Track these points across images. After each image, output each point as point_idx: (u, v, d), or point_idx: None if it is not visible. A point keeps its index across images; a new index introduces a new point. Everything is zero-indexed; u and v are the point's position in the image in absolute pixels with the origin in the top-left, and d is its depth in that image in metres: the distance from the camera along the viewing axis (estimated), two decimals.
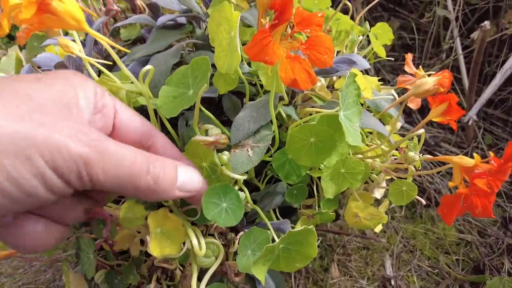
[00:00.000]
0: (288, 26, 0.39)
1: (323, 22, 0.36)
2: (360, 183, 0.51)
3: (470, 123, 1.16)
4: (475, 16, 1.33)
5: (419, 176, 1.15)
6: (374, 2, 0.63)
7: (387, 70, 1.50)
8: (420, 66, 0.65)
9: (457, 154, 1.30)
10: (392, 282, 0.89)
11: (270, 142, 0.45)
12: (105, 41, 0.38)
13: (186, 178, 0.36)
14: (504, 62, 1.16)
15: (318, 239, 0.96)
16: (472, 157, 0.40)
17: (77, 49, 0.38)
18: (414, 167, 0.59)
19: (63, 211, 0.32)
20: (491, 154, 0.38)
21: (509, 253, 0.95)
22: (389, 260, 0.94)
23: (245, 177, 0.43)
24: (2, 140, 0.24)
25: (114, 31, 0.70)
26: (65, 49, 0.37)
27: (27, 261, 0.92)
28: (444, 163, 0.47)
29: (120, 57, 0.65)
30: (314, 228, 0.39)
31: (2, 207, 0.25)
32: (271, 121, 0.45)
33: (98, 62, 0.42)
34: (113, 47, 0.58)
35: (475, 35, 1.02)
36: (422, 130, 0.46)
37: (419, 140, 0.52)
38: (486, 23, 0.98)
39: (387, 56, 1.54)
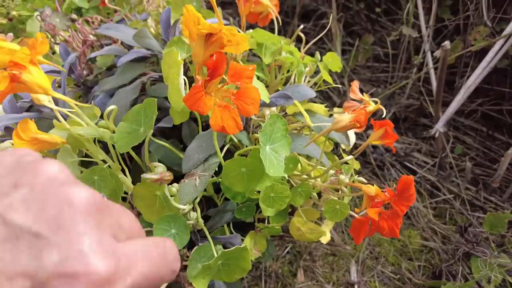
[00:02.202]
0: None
1: (253, 75, 0.43)
2: (302, 201, 0.58)
3: (437, 135, 1.22)
4: (448, 29, 1.40)
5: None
6: (317, 37, 0.70)
7: (364, 82, 1.56)
8: (365, 93, 0.72)
9: (428, 164, 1.36)
10: (356, 287, 0.96)
11: (216, 170, 0.51)
12: (69, 101, 0.44)
13: None
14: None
15: (288, 246, 1.02)
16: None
17: (47, 100, 0.44)
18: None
19: None
20: (393, 184, 0.44)
21: (468, 259, 1.01)
22: (354, 266, 1.00)
23: (190, 207, 0.50)
24: None
25: (91, 59, 0.76)
26: (36, 102, 0.44)
27: None
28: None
29: (96, 82, 0.72)
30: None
31: None
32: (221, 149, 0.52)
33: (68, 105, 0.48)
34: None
35: (437, 53, 1.09)
36: (350, 157, 0.53)
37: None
38: (446, 43, 1.05)
39: (366, 66, 1.59)
